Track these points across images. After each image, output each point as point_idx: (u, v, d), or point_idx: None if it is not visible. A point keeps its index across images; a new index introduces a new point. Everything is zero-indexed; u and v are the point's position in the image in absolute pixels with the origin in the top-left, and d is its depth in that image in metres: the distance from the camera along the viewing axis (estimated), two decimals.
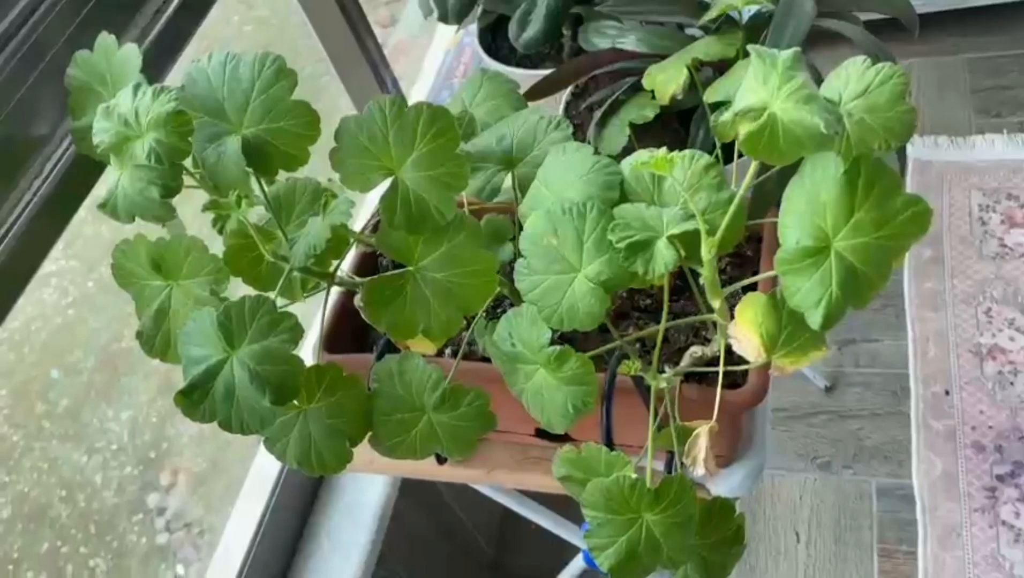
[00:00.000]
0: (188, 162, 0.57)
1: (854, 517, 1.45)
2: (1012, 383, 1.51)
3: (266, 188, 0.61)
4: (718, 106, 0.67)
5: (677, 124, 0.82)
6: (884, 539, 1.42)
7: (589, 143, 0.80)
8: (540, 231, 0.56)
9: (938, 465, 1.46)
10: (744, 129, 0.46)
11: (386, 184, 0.59)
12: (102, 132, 0.55)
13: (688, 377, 0.66)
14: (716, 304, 0.56)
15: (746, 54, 0.71)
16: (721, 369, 0.59)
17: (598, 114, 0.77)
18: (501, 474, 0.84)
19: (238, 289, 0.64)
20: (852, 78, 0.58)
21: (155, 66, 0.78)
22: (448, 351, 0.76)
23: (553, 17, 0.84)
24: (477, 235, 0.61)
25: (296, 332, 0.54)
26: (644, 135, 0.79)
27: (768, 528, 1.47)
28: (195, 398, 0.52)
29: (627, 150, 0.78)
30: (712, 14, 0.69)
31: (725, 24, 0.70)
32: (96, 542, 1.12)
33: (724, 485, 0.79)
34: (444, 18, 0.85)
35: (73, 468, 1.15)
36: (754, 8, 0.71)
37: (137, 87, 0.55)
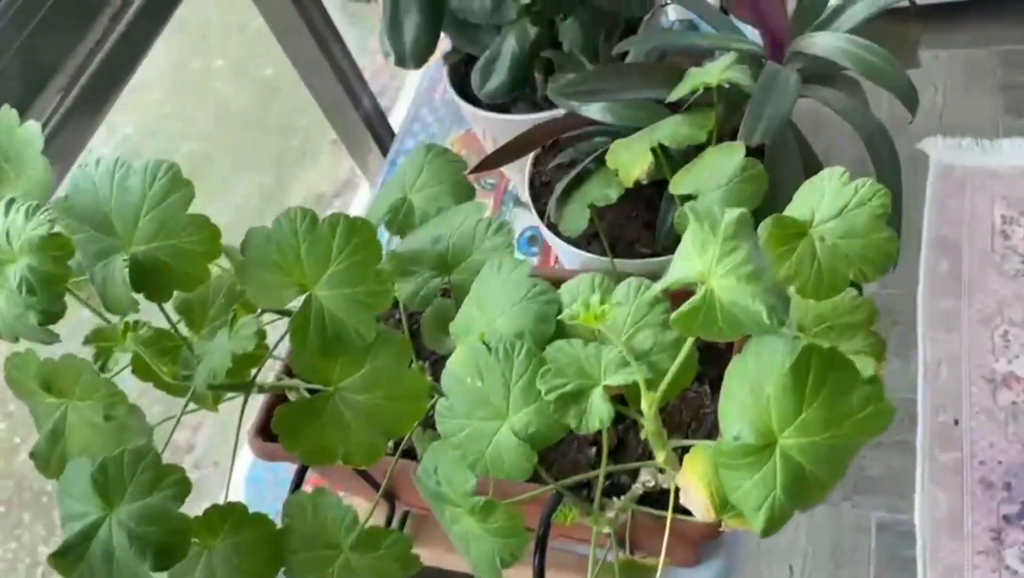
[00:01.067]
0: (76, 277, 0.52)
1: (851, 552, 1.39)
2: None
3: (171, 301, 0.55)
4: (687, 198, 0.60)
5: (651, 188, 0.75)
6: None
7: (550, 218, 0.73)
8: (464, 371, 0.50)
9: (942, 502, 1.39)
10: (678, 308, 0.39)
11: (299, 301, 0.53)
12: None
13: (642, 498, 0.60)
14: (660, 457, 0.50)
15: (720, 139, 0.63)
16: (670, 515, 0.53)
17: (559, 188, 0.70)
18: (455, 558, 0.79)
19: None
20: (828, 193, 0.50)
21: (69, 141, 0.71)
22: (390, 444, 0.70)
23: (518, 68, 0.76)
24: (404, 353, 0.55)
25: (183, 487, 0.48)
26: (611, 206, 0.71)
27: (760, 561, 1.41)
28: (70, 560, 0.47)
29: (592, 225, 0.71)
30: (682, 91, 0.61)
31: (700, 100, 0.63)
32: None
33: None
34: (401, 62, 0.78)
35: None
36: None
37: (10, 204, 0.49)
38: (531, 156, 0.80)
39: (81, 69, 0.76)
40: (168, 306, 0.56)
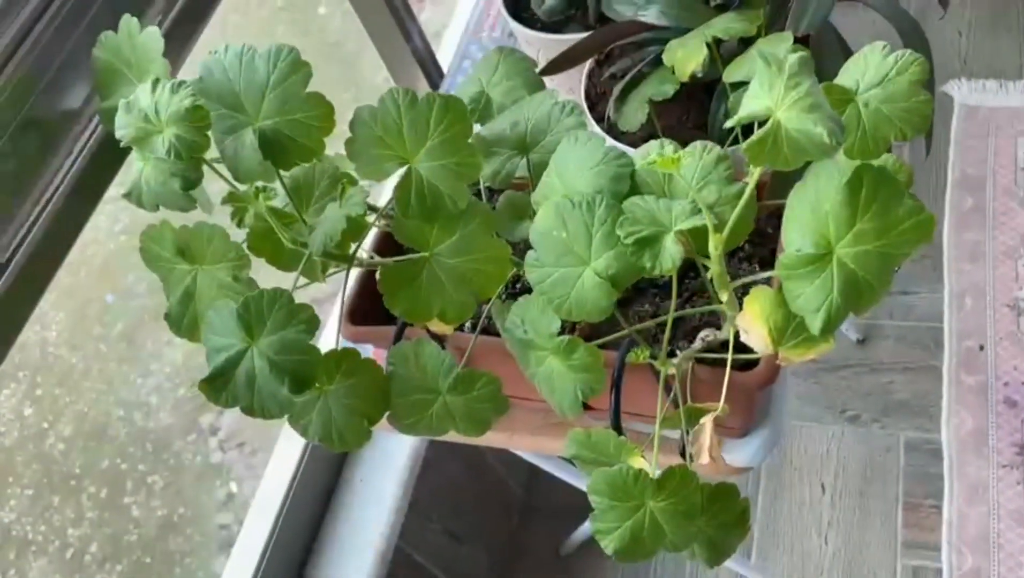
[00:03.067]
0: (212, 151, 0.59)
1: (880, 471, 1.46)
2: None
3: (285, 176, 0.62)
4: (739, 85, 0.67)
5: (703, 94, 0.81)
6: (910, 493, 1.43)
7: (609, 117, 0.79)
8: (550, 224, 0.57)
9: (968, 421, 1.45)
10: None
11: (400, 173, 0.60)
12: (123, 127, 0.57)
13: (702, 357, 0.67)
14: (724, 297, 0.57)
15: (768, 31, 0.69)
16: (730, 357, 0.60)
17: (618, 89, 0.76)
18: (522, 439, 0.86)
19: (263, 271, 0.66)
20: (871, 65, 0.57)
21: (175, 48, 0.79)
22: (468, 325, 0.78)
23: None
24: (490, 223, 0.62)
25: (312, 323, 0.55)
26: (667, 107, 0.78)
27: (794, 478, 1.48)
28: (218, 385, 0.55)
29: (650, 124, 0.78)
30: None
31: (740, 4, 0.69)
32: (153, 460, 1.20)
33: (739, 455, 0.80)
34: None
35: (130, 389, 1.21)
36: None
37: (156, 82, 0.57)
38: (585, 70, 0.87)
39: None
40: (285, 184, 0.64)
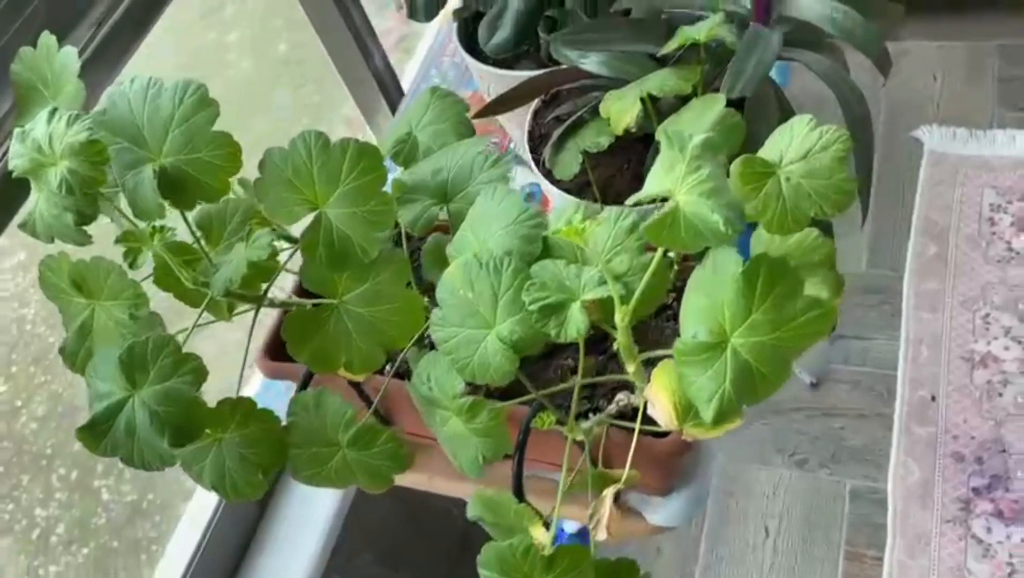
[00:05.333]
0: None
1: (825, 518, 1.45)
2: (1000, 394, 1.48)
3: (195, 211, 0.60)
4: None
5: (641, 145, 0.80)
6: (852, 542, 1.42)
7: (545, 164, 0.78)
8: (456, 284, 0.55)
9: (915, 472, 1.45)
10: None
11: (310, 218, 0.58)
12: (16, 156, 0.55)
13: (618, 421, 0.65)
14: (631, 369, 0.55)
15: (706, 89, 0.68)
16: (638, 427, 0.58)
17: (555, 135, 0.75)
18: (442, 483, 0.84)
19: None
20: (796, 138, 0.55)
21: (96, 74, 0.76)
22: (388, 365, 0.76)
23: (522, 23, 0.81)
24: (403, 272, 0.60)
25: (200, 374, 0.53)
26: (606, 156, 0.77)
27: (738, 519, 1.47)
28: (97, 433, 0.53)
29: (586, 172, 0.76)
30: (672, 45, 0.66)
31: (687, 54, 0.67)
32: None
33: (661, 514, 0.78)
34: (413, 14, 0.82)
35: None
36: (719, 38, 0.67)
37: (52, 112, 0.54)
38: (531, 109, 0.85)
39: (111, 9, 0.81)
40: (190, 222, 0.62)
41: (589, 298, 0.52)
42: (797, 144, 0.55)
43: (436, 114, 0.67)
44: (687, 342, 0.45)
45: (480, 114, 0.76)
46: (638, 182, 0.78)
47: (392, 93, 1.24)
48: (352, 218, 0.57)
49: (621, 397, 0.64)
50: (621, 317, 0.52)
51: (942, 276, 1.65)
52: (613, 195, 0.78)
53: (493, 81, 0.92)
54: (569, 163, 0.72)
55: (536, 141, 0.85)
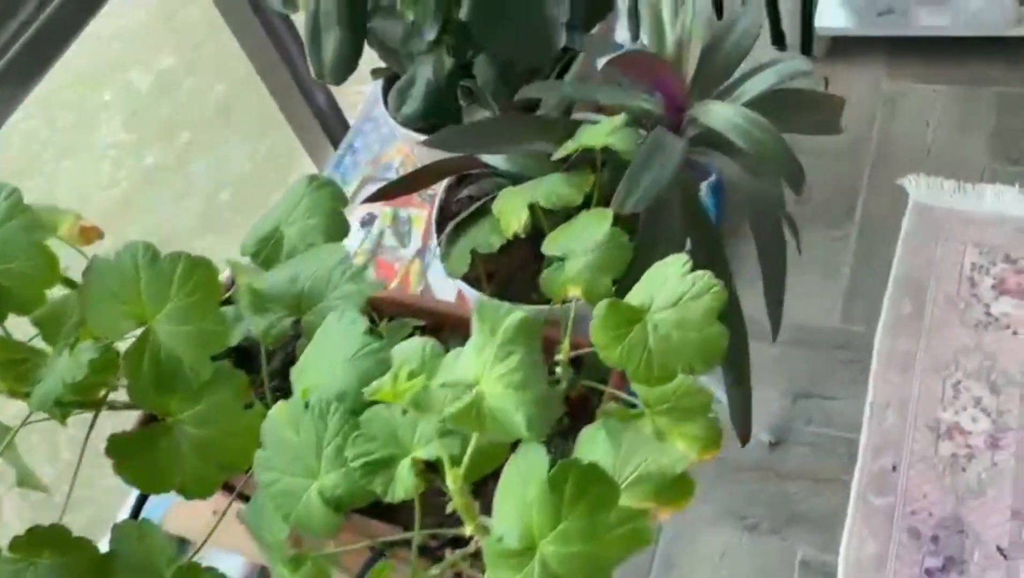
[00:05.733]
0: None
1: None
2: (964, 469, 1.42)
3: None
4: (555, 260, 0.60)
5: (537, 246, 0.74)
6: None
7: (440, 256, 0.73)
8: (281, 425, 0.50)
9: (870, 544, 1.39)
10: (451, 404, 0.39)
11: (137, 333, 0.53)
12: None
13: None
14: (469, 529, 0.50)
15: (603, 199, 0.63)
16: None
17: (449, 228, 0.69)
18: None
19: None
20: (670, 280, 0.50)
21: None
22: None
23: (433, 96, 0.76)
24: (242, 392, 0.55)
25: None
26: (506, 252, 0.71)
27: None
28: None
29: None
30: (567, 150, 0.61)
31: (586, 159, 0.62)
32: None
33: None
34: (321, 76, 0.77)
35: None
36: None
37: None
38: (444, 186, 0.80)
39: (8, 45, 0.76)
40: (26, 319, 0.57)
41: (420, 457, 0.47)
42: (670, 288, 0.50)
43: (309, 207, 0.62)
44: (493, 546, 0.39)
45: (373, 198, 0.70)
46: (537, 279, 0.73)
47: (335, 130, 1.18)
48: (182, 336, 0.52)
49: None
50: (453, 480, 0.47)
51: (916, 336, 1.58)
52: (517, 288, 0.73)
53: (415, 145, 0.87)
54: (460, 260, 0.67)
55: (448, 217, 0.80)
